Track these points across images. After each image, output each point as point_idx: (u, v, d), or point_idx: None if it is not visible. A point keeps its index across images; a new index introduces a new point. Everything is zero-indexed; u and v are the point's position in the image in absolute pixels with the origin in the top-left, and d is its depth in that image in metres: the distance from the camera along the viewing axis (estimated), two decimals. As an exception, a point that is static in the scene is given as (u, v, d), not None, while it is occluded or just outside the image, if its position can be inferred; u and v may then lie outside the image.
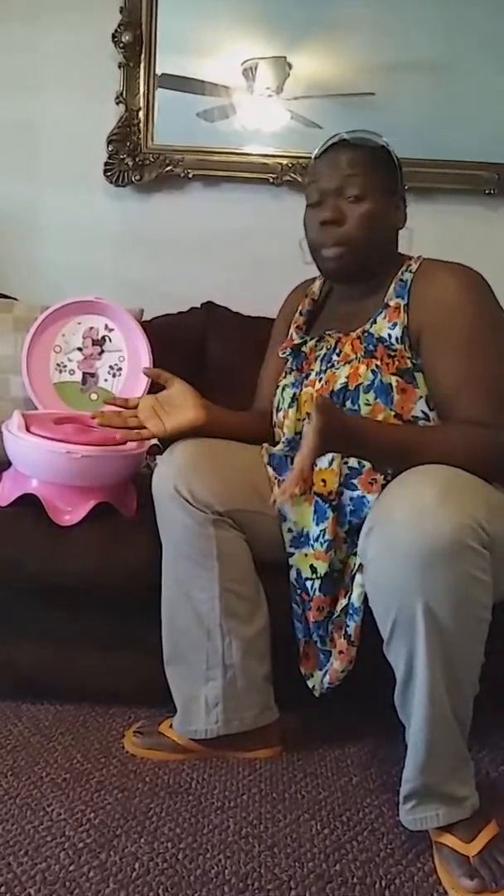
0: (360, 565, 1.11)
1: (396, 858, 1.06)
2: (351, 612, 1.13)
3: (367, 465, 1.15)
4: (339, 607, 1.17)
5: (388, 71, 1.96)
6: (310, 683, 1.22)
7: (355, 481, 1.15)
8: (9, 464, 1.41)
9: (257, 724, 1.24)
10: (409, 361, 1.15)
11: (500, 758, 1.31)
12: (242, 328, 1.86)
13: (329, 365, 1.22)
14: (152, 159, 2.01)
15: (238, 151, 2.01)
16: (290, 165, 2.00)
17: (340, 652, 1.14)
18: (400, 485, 0.99)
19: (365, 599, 1.09)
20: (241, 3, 1.94)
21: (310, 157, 1.94)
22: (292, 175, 2.00)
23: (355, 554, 1.15)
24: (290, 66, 1.97)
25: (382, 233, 1.22)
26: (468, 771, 1.04)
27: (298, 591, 1.22)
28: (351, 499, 1.15)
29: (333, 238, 1.19)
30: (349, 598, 1.14)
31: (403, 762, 1.05)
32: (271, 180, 2.01)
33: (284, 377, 1.33)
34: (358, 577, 1.12)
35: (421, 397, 1.14)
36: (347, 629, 1.13)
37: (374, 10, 1.93)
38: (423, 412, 1.14)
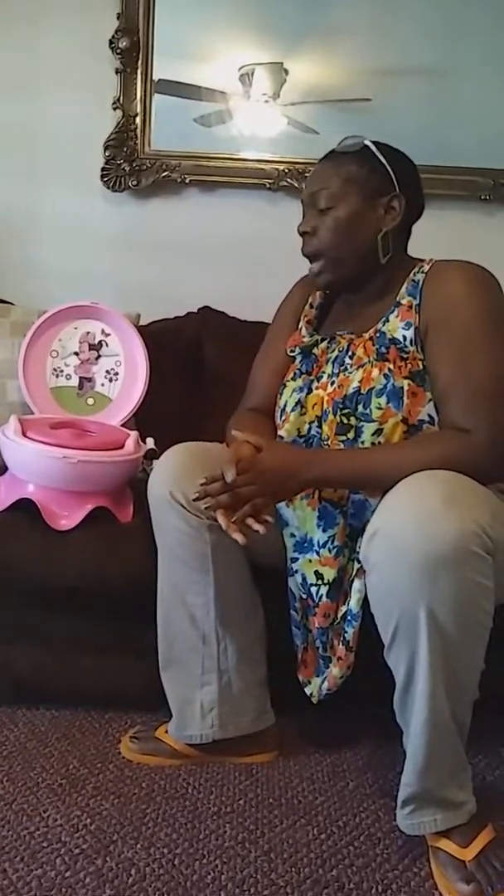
0: (359, 571, 1.11)
1: (393, 863, 1.06)
2: (349, 618, 1.13)
3: None
4: (339, 614, 1.16)
5: (384, 76, 1.97)
6: (307, 690, 1.21)
7: None
8: (5, 468, 1.41)
9: (253, 728, 1.24)
10: (420, 363, 1.14)
11: (496, 762, 1.31)
12: (239, 333, 1.87)
13: (342, 368, 1.20)
14: (149, 164, 2.02)
15: (235, 157, 2.02)
16: (286, 171, 2.01)
17: (339, 658, 1.14)
18: (403, 489, 0.99)
19: (363, 605, 1.09)
20: (237, 9, 1.95)
21: (306, 163, 1.98)
22: (289, 181, 2.01)
23: (353, 559, 1.15)
24: (286, 71, 1.97)
25: (360, 237, 1.19)
26: (466, 776, 1.04)
27: (303, 597, 1.21)
28: (353, 502, 1.15)
29: (308, 250, 1.22)
30: (348, 604, 1.14)
31: (399, 767, 1.05)
32: (268, 186, 2.02)
33: (293, 379, 1.29)
34: (356, 583, 1.12)
35: (430, 400, 1.13)
36: (346, 635, 1.13)
37: (371, 15, 1.94)
38: (429, 416, 1.12)
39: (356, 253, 1.20)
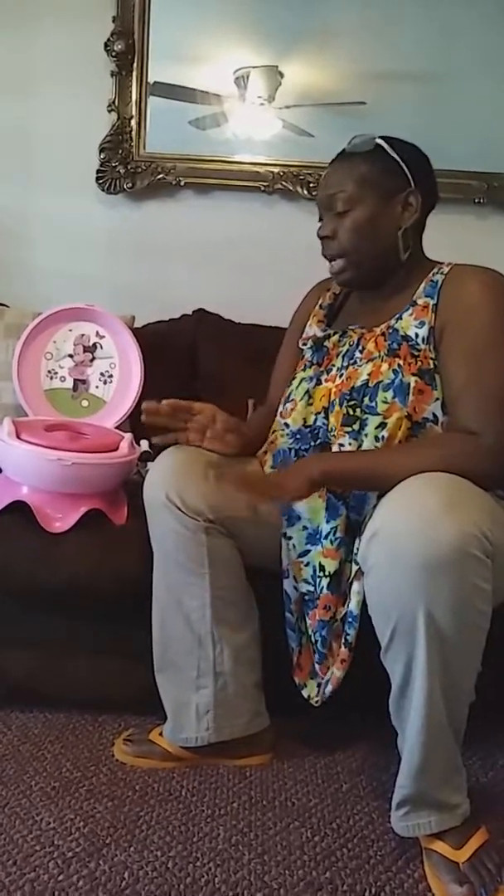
0: (358, 572, 1.11)
1: (386, 865, 1.06)
2: (350, 619, 1.12)
3: None
4: (338, 615, 1.16)
5: (379, 80, 1.97)
6: (304, 693, 1.21)
7: None
8: (-1, 470, 1.41)
9: (248, 731, 1.24)
10: (431, 362, 1.14)
11: (490, 763, 1.31)
12: (234, 335, 1.87)
13: (351, 361, 1.21)
14: (144, 167, 2.02)
15: (230, 160, 2.02)
16: (281, 174, 2.01)
17: (342, 660, 1.14)
18: (403, 492, 0.99)
19: (363, 607, 1.09)
20: (233, 12, 1.95)
21: (301, 166, 1.99)
22: (284, 183, 2.01)
23: (352, 561, 1.15)
24: (281, 74, 1.98)
25: (380, 237, 1.20)
26: (461, 778, 1.05)
27: (303, 594, 1.20)
28: (353, 495, 1.15)
29: (329, 253, 1.23)
30: (347, 606, 1.14)
31: (394, 769, 1.05)
32: (263, 188, 2.02)
33: (303, 370, 1.30)
34: (355, 585, 1.12)
35: (437, 399, 1.13)
36: (347, 637, 1.13)
37: (366, 19, 1.95)
38: (434, 414, 1.13)
39: (377, 253, 1.21)
